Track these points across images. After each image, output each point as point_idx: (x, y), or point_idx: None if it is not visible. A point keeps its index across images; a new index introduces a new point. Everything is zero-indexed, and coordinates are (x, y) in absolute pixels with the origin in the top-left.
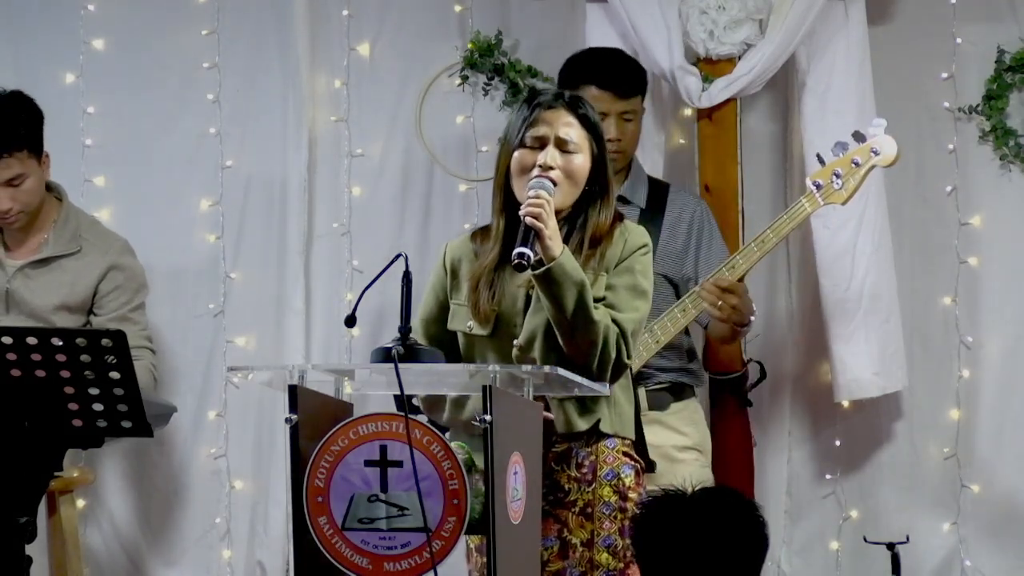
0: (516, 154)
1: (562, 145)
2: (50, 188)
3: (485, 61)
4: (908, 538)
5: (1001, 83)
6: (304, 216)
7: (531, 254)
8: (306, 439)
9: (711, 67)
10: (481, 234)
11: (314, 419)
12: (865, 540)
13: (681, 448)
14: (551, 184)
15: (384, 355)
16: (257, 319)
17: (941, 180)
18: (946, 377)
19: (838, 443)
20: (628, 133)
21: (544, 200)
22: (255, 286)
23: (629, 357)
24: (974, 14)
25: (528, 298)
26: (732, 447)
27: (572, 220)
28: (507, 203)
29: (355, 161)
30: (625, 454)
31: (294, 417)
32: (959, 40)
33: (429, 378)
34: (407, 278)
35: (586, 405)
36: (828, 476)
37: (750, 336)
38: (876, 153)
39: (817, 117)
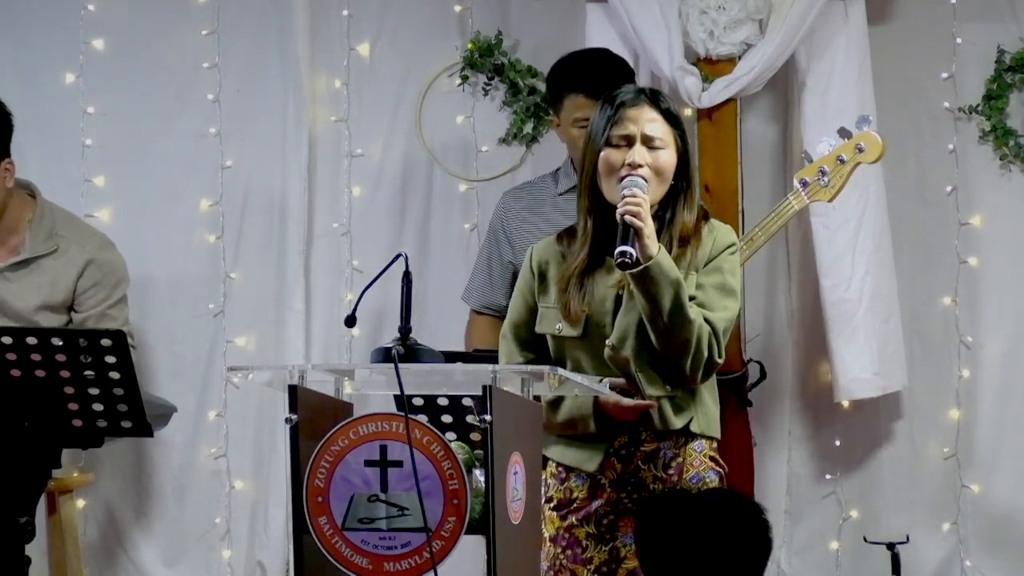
0: (602, 154)
1: (648, 142)
2: (22, 186)
3: (485, 61)
4: (908, 538)
5: (1001, 83)
6: (304, 216)
7: (634, 252)
8: (306, 439)
9: (711, 67)
10: (567, 236)
11: (314, 419)
12: (865, 540)
13: None
14: (644, 182)
15: (384, 355)
16: (257, 319)
17: (941, 180)
18: (946, 377)
19: (838, 443)
20: None
21: (641, 199)
22: (255, 286)
23: (720, 356)
24: (974, 14)
25: (618, 298)
26: (732, 447)
27: (659, 218)
28: (595, 204)
29: (355, 161)
30: (712, 459)
31: (294, 417)
32: (959, 40)
33: (429, 378)
34: (407, 278)
35: (679, 404)
36: (828, 476)
37: (750, 335)
38: (861, 150)
39: (817, 117)
